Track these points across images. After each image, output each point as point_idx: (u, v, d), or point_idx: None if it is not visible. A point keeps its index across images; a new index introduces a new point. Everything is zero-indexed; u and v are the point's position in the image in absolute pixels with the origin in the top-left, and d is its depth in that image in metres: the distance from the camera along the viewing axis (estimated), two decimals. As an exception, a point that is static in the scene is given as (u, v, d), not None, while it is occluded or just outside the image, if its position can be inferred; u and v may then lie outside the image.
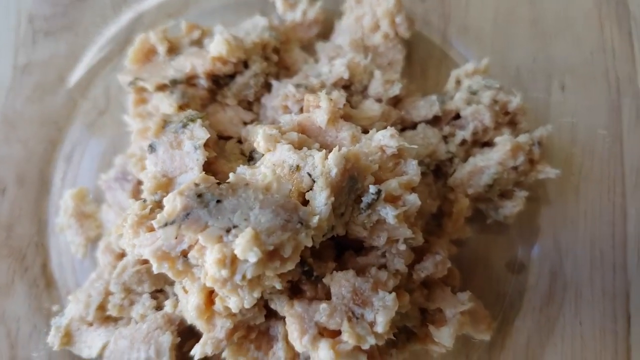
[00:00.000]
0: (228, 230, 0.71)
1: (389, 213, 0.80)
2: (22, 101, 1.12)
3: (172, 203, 0.73)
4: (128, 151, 0.98)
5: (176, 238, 0.72)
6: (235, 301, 0.73)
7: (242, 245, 0.68)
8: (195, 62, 0.92)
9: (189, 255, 0.74)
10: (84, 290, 0.94)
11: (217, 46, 0.90)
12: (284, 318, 0.86)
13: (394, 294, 0.78)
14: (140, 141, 0.95)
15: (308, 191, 0.79)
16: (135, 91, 0.94)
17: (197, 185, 0.76)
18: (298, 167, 0.79)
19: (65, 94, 1.13)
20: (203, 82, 0.94)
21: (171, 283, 0.92)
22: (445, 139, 0.98)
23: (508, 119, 1.00)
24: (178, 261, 0.75)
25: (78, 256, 1.02)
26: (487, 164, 0.93)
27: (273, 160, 0.81)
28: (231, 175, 0.78)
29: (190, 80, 0.94)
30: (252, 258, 0.67)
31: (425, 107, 0.97)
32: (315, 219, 0.75)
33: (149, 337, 0.86)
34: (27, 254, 1.04)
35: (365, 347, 0.75)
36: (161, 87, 0.92)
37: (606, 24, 1.19)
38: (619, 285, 1.03)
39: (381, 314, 0.76)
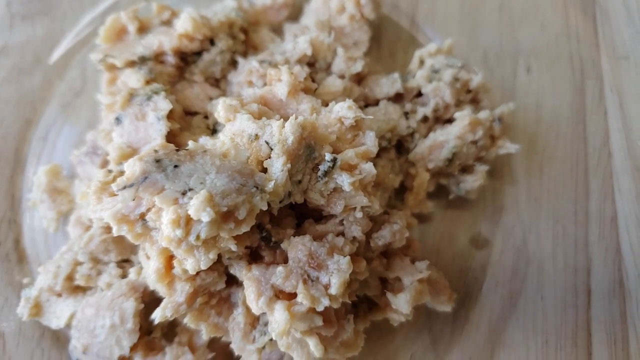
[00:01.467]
0: (184, 193, 0.74)
1: (344, 180, 0.82)
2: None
3: (132, 167, 0.76)
4: (99, 127, 1.00)
5: (134, 200, 0.74)
6: (191, 262, 0.75)
7: (196, 206, 0.70)
8: (163, 39, 0.95)
9: (147, 217, 0.76)
10: (53, 261, 0.96)
11: (183, 23, 0.93)
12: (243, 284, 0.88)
13: (348, 257, 0.80)
14: (110, 116, 0.97)
15: (266, 159, 0.81)
16: (106, 68, 0.97)
17: (156, 151, 0.78)
18: (257, 136, 0.82)
19: (42, 75, 1.16)
20: (170, 59, 0.97)
21: (137, 252, 0.94)
22: (406, 115, 1.00)
23: (470, 97, 1.03)
24: (137, 224, 0.77)
25: (50, 230, 1.04)
26: (447, 138, 0.96)
27: (233, 130, 0.83)
28: (190, 142, 0.80)
29: (158, 57, 0.97)
30: (205, 218, 0.70)
31: (387, 84, 1.00)
32: (271, 184, 0.77)
33: (114, 304, 0.88)
34: (0, 230, 1.06)
35: (320, 308, 0.77)
36: (130, 64, 0.95)
37: (571, 11, 1.22)
38: (580, 260, 1.05)
39: (335, 276, 0.78)
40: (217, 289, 0.86)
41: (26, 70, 1.16)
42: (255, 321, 0.86)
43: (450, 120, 1.02)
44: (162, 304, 0.82)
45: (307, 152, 0.82)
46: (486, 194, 1.09)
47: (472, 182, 1.00)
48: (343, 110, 0.86)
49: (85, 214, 0.97)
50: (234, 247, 0.76)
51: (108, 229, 0.92)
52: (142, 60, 0.95)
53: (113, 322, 0.88)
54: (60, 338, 1.00)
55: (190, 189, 0.74)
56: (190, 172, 0.77)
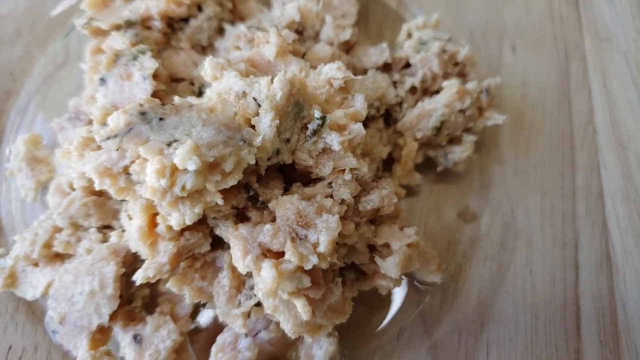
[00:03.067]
0: (169, 144, 0.72)
1: (334, 140, 0.81)
2: (-21, 54, 1.12)
3: (116, 120, 0.74)
4: (82, 94, 0.98)
5: (117, 150, 0.72)
6: (176, 217, 0.73)
7: (182, 155, 0.68)
8: (150, 3, 0.94)
9: (131, 170, 0.73)
10: (31, 229, 0.93)
11: (170, -14, 0.92)
12: (229, 248, 0.86)
13: (337, 216, 0.79)
14: (93, 81, 0.95)
15: (254, 117, 0.80)
16: (91, 33, 0.95)
17: (141, 105, 0.76)
18: (244, 94, 0.80)
19: (23, 47, 1.13)
20: (157, 24, 0.95)
21: (119, 218, 0.91)
22: (395, 84, 1.00)
23: (457, 70, 1.03)
24: (120, 177, 0.74)
25: (28, 200, 1.00)
26: (435, 106, 0.96)
27: (219, 88, 0.82)
28: (176, 98, 0.78)
29: (145, 22, 0.95)
30: (191, 166, 0.68)
31: (375, 54, 1.00)
32: (259, 139, 0.76)
33: (93, 268, 0.85)
34: (-25, 202, 1.03)
35: (308, 266, 0.75)
36: (116, 27, 0.93)
37: (555, -6, 1.24)
38: (568, 234, 1.05)
39: (324, 234, 0.76)
40: (202, 252, 0.83)
41: (6, 42, 1.13)
42: (240, 285, 0.84)
43: (438, 92, 1.02)
44: (145, 265, 0.79)
45: (295, 110, 0.80)
46: (473, 169, 1.09)
47: (460, 152, 1.00)
48: (332, 71, 0.85)
49: (65, 181, 0.94)
50: (220, 201, 0.73)
51: (89, 191, 0.90)
52: (128, 24, 0.93)
53: (92, 287, 0.84)
54: (35, 311, 0.97)
55: (175, 140, 0.72)
56: (175, 124, 0.75)
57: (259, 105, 0.79)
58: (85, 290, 0.85)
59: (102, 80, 0.87)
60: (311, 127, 0.81)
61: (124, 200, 0.91)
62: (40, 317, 0.96)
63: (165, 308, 0.91)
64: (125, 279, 0.87)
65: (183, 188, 0.70)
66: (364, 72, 1.01)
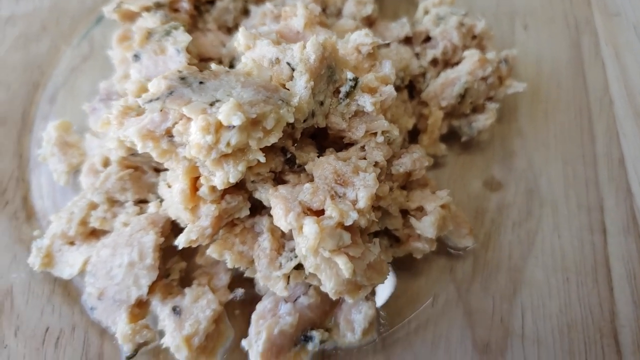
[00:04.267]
0: (212, 104, 0.73)
1: (366, 101, 0.83)
2: (5, 49, 1.14)
3: (157, 84, 0.76)
4: (113, 77, 1.00)
5: (161, 110, 0.74)
6: (220, 176, 0.74)
7: (226, 111, 0.70)
8: (178, -15, 0.97)
9: (174, 131, 0.75)
10: (66, 209, 0.94)
11: (198, -33, 0.96)
12: (268, 213, 0.87)
13: (374, 173, 0.80)
14: (123, 63, 0.97)
15: (288, 82, 0.82)
16: (120, 17, 0.98)
17: (180, 71, 0.79)
18: (277, 60, 0.83)
19: (49, 41, 1.16)
20: (185, 6, 0.98)
21: (155, 192, 0.92)
22: (417, 56, 1.03)
23: (475, 43, 1.06)
24: (162, 140, 0.76)
25: (60, 183, 1.01)
26: (458, 75, 0.98)
27: (253, 57, 0.84)
28: (212, 65, 0.80)
29: (173, 5, 0.98)
30: (236, 121, 0.69)
31: (396, 28, 1.03)
32: (296, 99, 0.78)
33: (132, 239, 0.86)
34: (8, 188, 1.04)
35: (348, 222, 0.76)
36: (146, 9, 0.96)
37: (562, -26, 1.28)
38: (593, 200, 1.06)
39: (362, 190, 0.78)
40: (241, 216, 0.84)
41: (33, 37, 1.16)
42: (280, 248, 0.84)
43: (458, 64, 1.04)
44: (187, 229, 0.80)
45: (328, 74, 0.83)
46: (495, 140, 1.11)
47: (484, 120, 1.02)
48: (360, 38, 0.88)
49: (98, 161, 0.95)
50: (262, 159, 0.75)
51: (125, 165, 0.91)
52: (158, 6, 0.96)
53: (131, 259, 0.85)
54: (71, 293, 0.97)
55: (217, 101, 0.74)
56: (215, 87, 0.77)
57: (293, 70, 0.81)
58: (124, 262, 0.86)
59: (136, 57, 0.89)
60: (344, 89, 0.83)
61: (160, 173, 0.93)
62: (76, 298, 0.96)
63: (202, 281, 0.91)
64: (163, 253, 0.88)
65: (228, 144, 0.71)
66: (386, 46, 1.04)
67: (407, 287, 0.99)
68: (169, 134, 0.76)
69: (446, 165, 1.08)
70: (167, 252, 0.92)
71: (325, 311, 0.90)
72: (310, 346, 0.87)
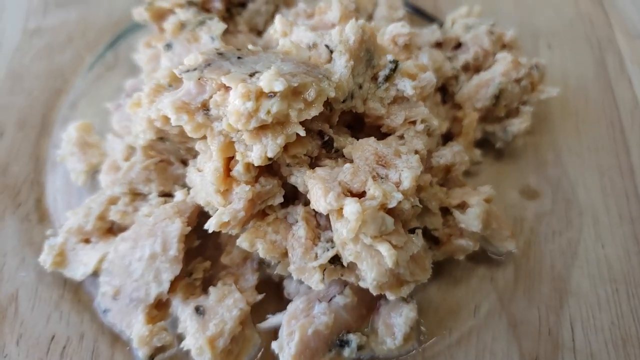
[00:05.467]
0: (251, 75, 0.71)
1: (407, 85, 0.81)
2: (30, 58, 1.13)
3: (194, 58, 0.73)
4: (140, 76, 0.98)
5: (199, 79, 0.71)
6: (258, 150, 0.70)
7: (268, 78, 0.67)
8: (211, -16, 0.97)
9: (211, 103, 0.71)
10: (84, 205, 0.88)
11: (231, -33, 0.97)
12: (302, 202, 0.82)
13: (417, 155, 0.76)
14: (151, 61, 0.96)
15: (326, 65, 0.79)
16: (152, 16, 0.97)
17: (217, 48, 0.77)
18: (315, 45, 0.81)
19: (74, 52, 1.15)
20: (218, 5, 0.97)
21: (181, 184, 0.87)
22: (449, 59, 1.02)
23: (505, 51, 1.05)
24: (197, 113, 0.72)
25: (78, 183, 0.96)
26: (492, 76, 0.97)
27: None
28: (250, 45, 0.79)
29: (205, 4, 0.97)
30: (279, 86, 0.66)
31: (427, 34, 1.02)
32: (336, 76, 0.75)
33: (155, 229, 0.79)
34: (22, 191, 0.98)
35: (392, 203, 0.71)
36: (179, 6, 0.95)
37: (580, 1, 1.31)
38: (635, 211, 1.01)
39: (406, 172, 0.73)
40: (275, 203, 0.79)
41: (58, 48, 1.16)
42: (316, 238, 0.78)
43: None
44: (218, 211, 0.75)
45: (367, 57, 0.81)
46: (528, 150, 1.08)
47: (519, 124, 0.99)
48: (397, 29, 0.87)
49: (120, 157, 0.90)
50: (302, 132, 0.71)
51: (150, 155, 0.86)
52: (190, 4, 0.96)
53: (153, 250, 0.79)
54: (81, 299, 0.89)
55: (257, 72, 0.71)
56: (254, 61, 0.75)
57: (331, 52, 0.79)
58: (144, 254, 0.79)
59: (168, 46, 0.88)
60: (383, 73, 0.81)
61: (186, 165, 0.88)
62: (86, 304, 0.88)
63: (228, 281, 0.84)
64: (185, 247, 0.81)
65: (268, 112, 0.67)
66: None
67: (447, 296, 0.92)
68: (204, 107, 0.72)
69: (480, 174, 1.04)
70: (190, 253, 0.86)
71: (362, 315, 0.83)
72: (346, 352, 0.79)
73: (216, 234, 0.90)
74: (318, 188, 0.72)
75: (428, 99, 0.84)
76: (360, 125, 0.85)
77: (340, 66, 0.76)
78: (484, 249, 0.94)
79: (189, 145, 0.83)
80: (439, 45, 1.03)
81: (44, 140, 1.04)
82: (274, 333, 0.83)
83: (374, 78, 0.82)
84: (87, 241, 0.87)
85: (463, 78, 1.00)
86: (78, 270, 0.85)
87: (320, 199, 0.72)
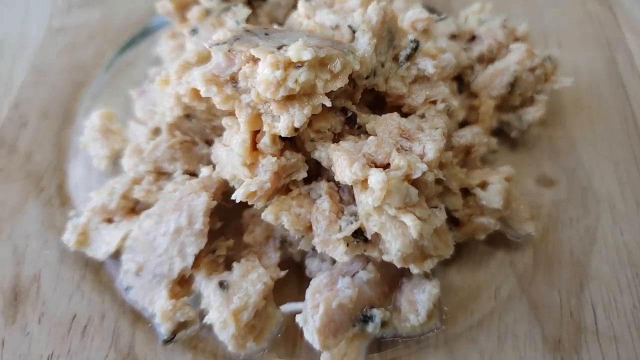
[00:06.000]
0: (279, 48, 0.73)
1: (427, 64, 0.83)
2: (54, 54, 1.16)
3: (223, 33, 0.76)
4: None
5: (229, 51, 0.73)
6: (285, 119, 0.72)
7: (296, 48, 0.69)
8: (234, -24, 1.01)
9: (240, 75, 0.73)
10: (107, 186, 0.89)
11: (254, -40, 1.00)
12: (325, 178, 0.83)
13: (440, 129, 0.77)
14: (174, 51, 0.98)
15: (350, 44, 0.81)
16: (175, 5, 1.00)
17: (245, 27, 0.79)
18: (338, 26, 0.83)
19: (95, 48, 1.18)
20: (240, -2, 1.01)
21: (205, 163, 0.88)
22: (464, 50, 1.04)
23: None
24: (226, 85, 0.74)
25: (100, 168, 0.97)
26: (507, 65, 0.99)
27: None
28: (275, 25, 0.81)
29: (227, -1, 1.01)
30: (307, 55, 0.68)
31: (443, 26, 1.05)
32: (360, 52, 0.77)
33: (181, 203, 0.80)
34: (45, 177, 1.00)
35: (417, 174, 0.72)
36: (200, -1, 0.98)
37: (587, 2, 1.35)
38: (652, 194, 1.02)
39: (430, 144, 0.75)
40: (299, 178, 0.80)
41: (80, 45, 1.18)
42: (340, 212, 0.79)
43: (504, 61, 1.05)
44: (245, 182, 0.76)
45: (388, 37, 0.83)
46: (542, 141, 1.09)
47: (534, 112, 1.01)
48: (415, 14, 0.89)
49: (144, 140, 0.92)
50: (327, 103, 0.72)
51: (175, 132, 0.88)
52: (213, -5, 0.99)
53: (178, 224, 0.79)
54: (103, 279, 0.89)
55: (284, 45, 0.73)
56: (281, 37, 0.77)
57: (354, 32, 0.82)
58: (169, 229, 0.80)
59: (194, 31, 0.90)
60: (404, 52, 0.83)
61: (211, 145, 0.90)
62: (107, 284, 0.88)
63: (251, 258, 0.84)
64: (210, 226, 0.82)
65: (296, 81, 0.69)
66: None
67: (467, 279, 0.92)
68: (233, 80, 0.74)
69: (496, 162, 1.05)
70: (212, 234, 0.86)
71: (384, 292, 0.83)
72: (370, 327, 0.78)
73: (238, 216, 0.92)
74: (343, 159, 0.74)
75: (447, 81, 0.86)
76: (382, 105, 0.87)
77: (364, 43, 0.79)
78: (502, 233, 0.95)
79: (215, 123, 0.85)
80: (453, 37, 1.06)
81: (67, 130, 1.06)
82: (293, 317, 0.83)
83: (395, 59, 0.84)
84: (109, 221, 0.88)
85: (478, 68, 1.03)
86: (100, 249, 0.86)
87: (345, 169, 0.73)
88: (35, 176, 0.99)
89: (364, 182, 0.73)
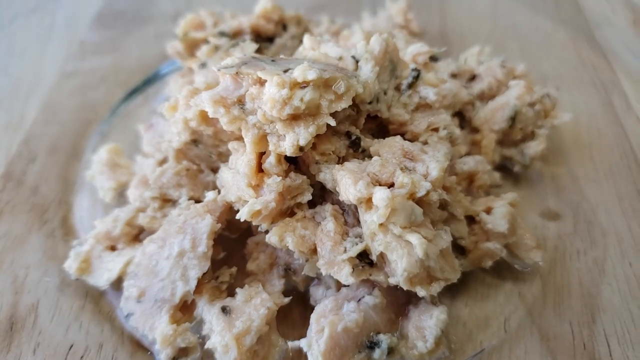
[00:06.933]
0: (285, 71, 0.75)
1: (429, 92, 0.85)
2: (65, 95, 1.20)
3: (231, 59, 0.79)
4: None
5: (237, 74, 0.75)
6: (291, 138, 0.73)
7: (301, 69, 0.72)
8: (243, 19, 1.05)
9: (246, 96, 0.75)
10: (112, 214, 0.89)
11: (262, 4, 1.05)
12: (330, 201, 0.83)
13: (444, 150, 0.78)
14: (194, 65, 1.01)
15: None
16: (186, 46, 1.04)
17: (252, 55, 0.82)
18: (341, 57, 0.87)
19: (106, 89, 1.21)
20: (247, 38, 1.05)
21: (212, 189, 0.88)
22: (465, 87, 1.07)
23: (517, 83, 1.11)
24: (233, 107, 0.76)
25: (106, 200, 0.98)
26: (507, 100, 1.01)
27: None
28: (282, 55, 0.84)
29: (235, 36, 1.05)
30: (312, 75, 0.71)
31: (443, 66, 1.09)
32: (364, 78, 0.80)
33: (185, 226, 0.80)
34: (49, 209, 1.00)
35: (421, 192, 0.72)
36: (212, 36, 1.02)
37: (580, 49, 1.40)
38: (659, 233, 1.01)
39: (434, 164, 0.75)
40: (304, 201, 0.80)
41: (92, 87, 1.22)
42: (345, 234, 0.78)
43: (504, 98, 1.08)
44: (250, 202, 0.76)
45: (390, 67, 0.86)
46: (545, 177, 1.10)
47: (536, 146, 1.02)
48: (417, 48, 0.93)
49: (149, 172, 0.93)
50: (332, 122, 0.74)
51: (181, 158, 0.89)
52: (222, 34, 1.03)
53: (182, 247, 0.79)
54: (102, 310, 0.87)
55: (290, 69, 0.76)
56: (287, 63, 0.79)
57: (357, 62, 0.85)
58: (173, 252, 0.79)
59: (203, 65, 0.94)
60: (406, 81, 0.86)
61: (216, 173, 0.90)
62: (107, 315, 0.86)
63: (254, 285, 0.83)
64: (213, 256, 0.81)
65: (301, 100, 0.71)
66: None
67: (475, 311, 0.90)
68: (240, 102, 0.76)
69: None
70: (215, 264, 0.86)
71: (390, 319, 0.80)
72: (376, 354, 0.76)
73: (241, 247, 0.91)
74: (347, 178, 0.74)
75: (449, 111, 0.88)
76: (385, 133, 0.89)
77: (367, 70, 0.81)
78: (509, 264, 0.93)
79: (221, 149, 0.86)
80: (454, 76, 1.09)
81: (74, 165, 1.07)
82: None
83: (397, 89, 0.87)
84: (113, 248, 0.88)
85: (479, 104, 1.05)
86: (102, 276, 0.85)
87: (349, 187, 0.73)
88: (40, 208, 1.00)
89: (369, 202, 0.73)
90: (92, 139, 1.12)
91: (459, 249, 0.89)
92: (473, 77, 1.10)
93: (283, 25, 1.09)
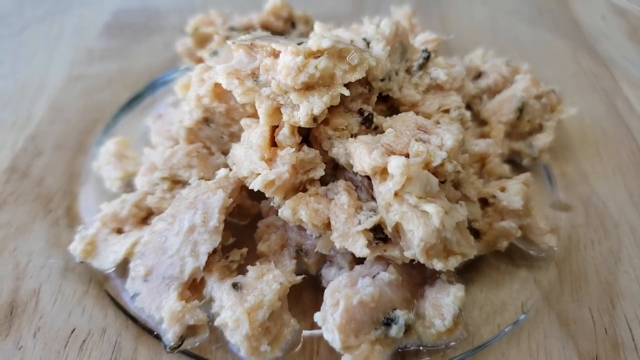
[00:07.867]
0: (299, 44, 0.76)
1: (440, 72, 0.86)
2: (72, 97, 1.20)
3: (245, 36, 0.79)
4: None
5: (251, 45, 0.76)
6: (305, 107, 0.73)
7: (315, 39, 0.73)
8: (253, 16, 1.07)
9: (260, 67, 0.76)
10: (119, 198, 0.88)
11: (272, 0, 1.07)
12: (342, 177, 0.82)
13: (458, 123, 0.78)
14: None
15: (364, 54, 0.85)
16: (196, 40, 1.05)
17: (264, 33, 0.83)
18: (352, 41, 0.88)
19: (113, 91, 1.22)
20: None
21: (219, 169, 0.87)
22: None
23: (522, 82, 1.12)
24: (247, 79, 0.76)
25: (113, 189, 0.96)
26: (513, 92, 1.02)
27: (329, 40, 0.89)
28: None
29: (245, 31, 1.06)
30: (326, 43, 0.72)
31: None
32: (376, 54, 0.81)
33: (196, 201, 0.78)
34: (54, 199, 0.98)
35: (436, 161, 0.72)
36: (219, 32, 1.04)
37: (582, 60, 1.42)
38: (672, 224, 1.00)
39: (448, 134, 0.75)
40: (316, 177, 0.79)
41: (98, 90, 1.23)
42: (358, 208, 0.76)
43: (510, 93, 1.09)
44: (263, 173, 0.75)
45: (400, 49, 0.87)
46: (554, 173, 1.10)
47: (544, 138, 1.02)
48: (425, 36, 0.94)
49: (158, 160, 0.91)
50: (345, 92, 0.74)
51: (191, 137, 0.88)
52: (232, 29, 1.05)
53: (193, 222, 0.77)
54: (106, 295, 0.84)
55: (303, 42, 0.76)
56: (300, 39, 0.80)
57: (368, 43, 0.86)
58: (183, 227, 0.77)
59: (214, 53, 0.94)
60: (417, 63, 0.87)
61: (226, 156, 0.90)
62: (111, 300, 0.83)
63: (266, 264, 0.80)
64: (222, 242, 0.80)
65: (316, 67, 0.72)
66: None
67: (490, 296, 0.87)
68: (254, 75, 0.77)
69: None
70: (225, 249, 0.84)
71: (406, 298, 0.78)
72: (393, 330, 0.73)
73: (250, 231, 0.89)
74: (362, 148, 0.74)
75: (460, 91, 0.88)
76: (396, 114, 0.88)
77: (378, 50, 0.82)
78: (524, 251, 0.92)
79: (233, 129, 0.86)
80: (460, 73, 1.11)
81: (79, 159, 1.06)
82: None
83: (408, 71, 0.88)
84: (119, 231, 0.85)
85: (486, 98, 1.06)
86: (108, 258, 0.82)
87: (364, 157, 0.72)
88: (44, 198, 0.98)
89: (383, 172, 0.72)
90: (98, 136, 1.12)
91: (473, 232, 0.87)
92: (479, 75, 1.12)
93: (292, 23, 1.11)
